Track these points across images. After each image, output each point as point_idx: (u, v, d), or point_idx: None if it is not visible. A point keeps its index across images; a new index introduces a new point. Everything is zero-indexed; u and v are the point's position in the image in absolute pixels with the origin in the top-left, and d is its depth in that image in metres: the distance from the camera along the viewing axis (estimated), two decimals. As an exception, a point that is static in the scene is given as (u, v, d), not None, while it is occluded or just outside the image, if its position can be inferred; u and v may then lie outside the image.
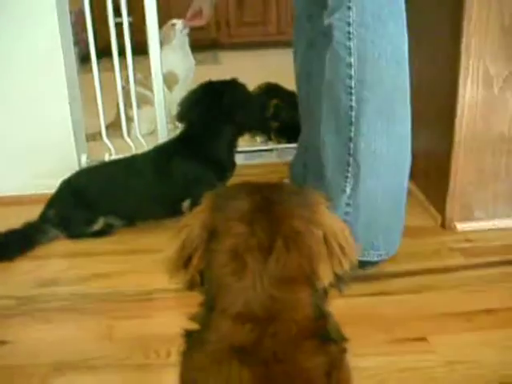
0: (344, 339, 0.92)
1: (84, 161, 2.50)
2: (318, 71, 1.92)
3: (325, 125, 1.72)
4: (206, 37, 5.33)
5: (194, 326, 0.93)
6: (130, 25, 2.48)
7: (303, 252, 0.86)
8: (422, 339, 1.49)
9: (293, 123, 2.77)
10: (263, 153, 2.71)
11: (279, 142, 2.83)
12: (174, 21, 3.22)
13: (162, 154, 2.16)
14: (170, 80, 2.89)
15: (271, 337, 0.83)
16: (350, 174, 1.68)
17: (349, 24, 1.56)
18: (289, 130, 2.81)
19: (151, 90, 2.93)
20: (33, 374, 1.44)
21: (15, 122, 2.44)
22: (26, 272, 1.90)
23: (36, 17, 2.33)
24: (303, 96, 2.13)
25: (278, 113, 2.87)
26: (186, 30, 3.21)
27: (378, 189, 1.70)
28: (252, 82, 2.24)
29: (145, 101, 2.96)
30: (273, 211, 0.87)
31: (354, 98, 1.61)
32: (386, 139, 1.65)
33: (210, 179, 2.09)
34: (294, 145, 2.73)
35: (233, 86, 2.16)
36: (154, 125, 2.99)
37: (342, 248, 0.90)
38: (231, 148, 2.18)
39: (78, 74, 2.59)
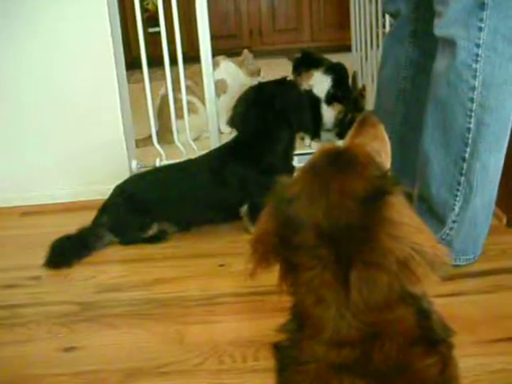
0: (450, 333, 0.87)
1: (134, 166, 2.48)
2: (414, 90, 1.86)
3: (430, 139, 1.66)
4: (239, 44, 5.32)
5: (281, 336, 0.88)
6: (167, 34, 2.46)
7: (383, 280, 0.77)
8: (508, 339, 1.44)
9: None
10: (315, 155, 2.65)
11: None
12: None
13: (218, 160, 2.10)
14: (219, 88, 2.87)
15: (378, 351, 0.78)
16: (459, 193, 1.66)
17: (478, 46, 1.49)
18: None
19: (199, 97, 2.93)
20: (106, 380, 1.41)
21: (67, 129, 2.44)
22: (86, 278, 1.88)
23: (89, 20, 2.34)
24: (382, 108, 2.04)
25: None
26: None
27: (482, 204, 1.69)
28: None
29: (189, 108, 2.94)
30: (341, 247, 0.78)
31: (473, 120, 1.56)
32: (498, 158, 1.64)
33: (270, 184, 2.02)
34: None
35: (284, 87, 2.11)
36: (197, 133, 2.99)
37: (421, 271, 0.78)
38: (288, 151, 2.11)
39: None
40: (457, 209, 1.68)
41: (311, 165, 0.87)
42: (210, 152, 2.20)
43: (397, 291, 0.78)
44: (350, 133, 1.03)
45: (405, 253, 0.76)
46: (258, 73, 3.37)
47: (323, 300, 0.79)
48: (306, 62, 2.92)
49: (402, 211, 0.79)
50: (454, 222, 1.69)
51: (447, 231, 1.70)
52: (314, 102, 2.87)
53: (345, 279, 0.77)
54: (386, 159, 1.00)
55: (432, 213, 1.69)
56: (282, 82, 2.14)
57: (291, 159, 2.13)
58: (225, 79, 3.21)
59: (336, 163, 0.85)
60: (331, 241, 0.78)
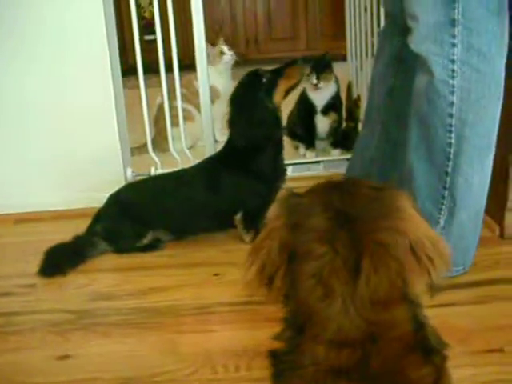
0: (444, 346, 0.88)
1: (129, 174, 2.49)
2: (403, 88, 1.84)
3: (415, 152, 1.67)
4: (235, 53, 5.33)
5: (277, 345, 0.89)
6: (163, 42, 2.47)
7: (392, 267, 0.80)
8: (500, 350, 1.44)
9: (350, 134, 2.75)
10: (310, 165, 2.67)
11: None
12: (225, 49, 3.30)
13: (212, 168, 2.11)
14: (211, 95, 2.87)
15: (376, 355, 0.80)
16: (444, 207, 1.67)
17: (453, 61, 1.50)
18: (345, 141, 2.80)
19: (194, 104, 2.93)
20: (99, 389, 1.41)
21: (61, 136, 2.44)
22: (80, 286, 1.88)
23: (85, 27, 2.35)
24: (374, 104, 2.04)
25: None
26: (232, 60, 3.33)
27: (468, 217, 1.70)
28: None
29: (185, 116, 2.94)
30: (354, 227, 0.81)
31: (453, 135, 1.56)
32: (481, 172, 1.64)
33: (262, 191, 2.04)
34: (341, 157, 2.71)
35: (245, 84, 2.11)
36: (193, 141, 3.00)
37: (430, 259, 0.84)
38: (277, 158, 2.10)
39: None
40: (442, 222, 1.69)
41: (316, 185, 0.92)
42: (204, 160, 2.20)
43: (399, 288, 0.81)
44: None
45: (416, 237, 0.82)
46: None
47: (331, 291, 0.80)
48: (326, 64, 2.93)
49: (411, 206, 0.86)
50: (439, 235, 1.70)
51: None
52: (308, 110, 2.89)
53: (355, 267, 0.80)
54: None
55: None
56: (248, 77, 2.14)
57: (282, 165, 2.13)
58: (215, 85, 3.19)
59: (343, 180, 0.95)
60: (345, 222, 0.82)
